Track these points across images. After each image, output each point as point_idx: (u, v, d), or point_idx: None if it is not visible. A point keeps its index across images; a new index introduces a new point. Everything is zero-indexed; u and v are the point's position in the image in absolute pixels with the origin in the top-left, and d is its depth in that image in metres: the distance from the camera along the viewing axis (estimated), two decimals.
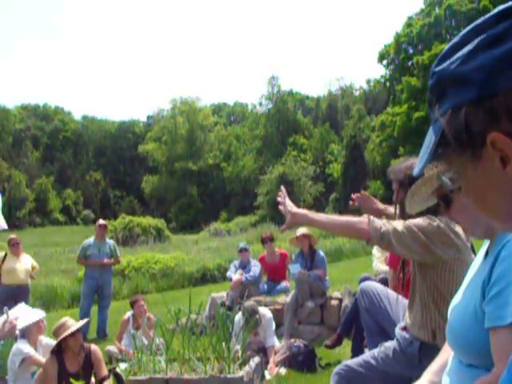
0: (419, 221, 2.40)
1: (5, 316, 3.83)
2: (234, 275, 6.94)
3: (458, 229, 2.42)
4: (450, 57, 0.67)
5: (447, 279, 2.42)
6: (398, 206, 2.74)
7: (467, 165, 0.67)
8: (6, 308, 3.91)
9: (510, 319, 1.28)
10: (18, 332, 4.74)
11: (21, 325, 4.64)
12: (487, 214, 0.69)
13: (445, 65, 0.68)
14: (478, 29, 0.65)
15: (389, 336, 2.87)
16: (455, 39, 0.69)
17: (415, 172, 0.74)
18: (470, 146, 0.64)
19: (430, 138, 0.71)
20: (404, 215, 2.62)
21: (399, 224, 2.38)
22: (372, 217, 2.40)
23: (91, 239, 7.94)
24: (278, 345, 5.42)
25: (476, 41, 0.64)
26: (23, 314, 4.63)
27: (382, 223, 2.36)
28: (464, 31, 0.68)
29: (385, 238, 2.32)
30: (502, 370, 1.27)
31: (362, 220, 2.36)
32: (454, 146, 0.67)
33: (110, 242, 8.17)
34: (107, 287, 7.86)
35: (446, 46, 0.70)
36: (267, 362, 5.01)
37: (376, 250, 5.72)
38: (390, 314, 3.13)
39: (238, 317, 5.07)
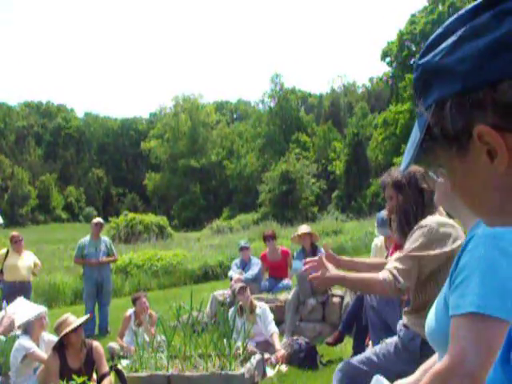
0: (412, 243, 2.37)
1: (3, 311, 3.83)
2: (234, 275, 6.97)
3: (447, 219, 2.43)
4: (434, 48, 0.65)
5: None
6: (397, 216, 2.55)
7: (454, 159, 0.65)
8: (4, 303, 3.90)
9: (466, 309, 1.30)
10: (16, 327, 4.74)
11: (20, 320, 4.64)
12: (474, 209, 0.68)
13: (429, 57, 0.65)
14: (462, 19, 0.63)
15: (393, 332, 2.87)
16: (439, 30, 0.66)
17: (401, 168, 0.73)
18: (456, 139, 0.62)
19: (415, 133, 0.69)
20: (409, 225, 2.48)
21: (396, 261, 2.36)
22: (382, 273, 2.36)
23: (87, 238, 7.94)
24: (278, 335, 5.43)
25: (460, 31, 0.62)
26: (22, 309, 4.63)
27: (386, 274, 2.31)
28: (448, 21, 0.65)
29: (398, 285, 2.31)
30: (449, 358, 1.29)
31: (374, 276, 2.36)
32: (439, 141, 0.65)
33: (106, 239, 8.18)
34: (106, 285, 7.88)
35: (430, 37, 0.67)
36: (267, 360, 5.01)
37: (378, 240, 5.69)
38: (394, 310, 3.14)
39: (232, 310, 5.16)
